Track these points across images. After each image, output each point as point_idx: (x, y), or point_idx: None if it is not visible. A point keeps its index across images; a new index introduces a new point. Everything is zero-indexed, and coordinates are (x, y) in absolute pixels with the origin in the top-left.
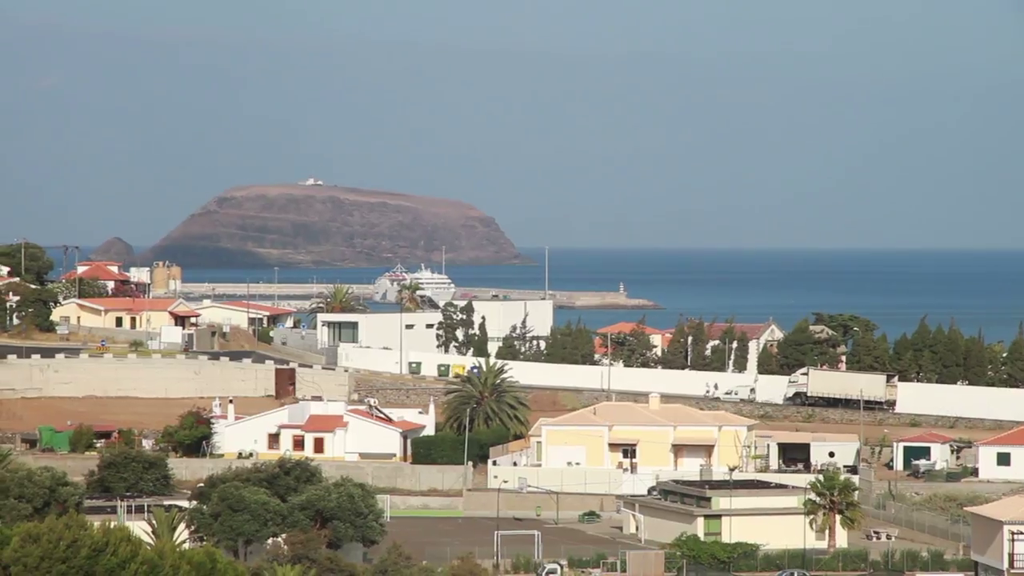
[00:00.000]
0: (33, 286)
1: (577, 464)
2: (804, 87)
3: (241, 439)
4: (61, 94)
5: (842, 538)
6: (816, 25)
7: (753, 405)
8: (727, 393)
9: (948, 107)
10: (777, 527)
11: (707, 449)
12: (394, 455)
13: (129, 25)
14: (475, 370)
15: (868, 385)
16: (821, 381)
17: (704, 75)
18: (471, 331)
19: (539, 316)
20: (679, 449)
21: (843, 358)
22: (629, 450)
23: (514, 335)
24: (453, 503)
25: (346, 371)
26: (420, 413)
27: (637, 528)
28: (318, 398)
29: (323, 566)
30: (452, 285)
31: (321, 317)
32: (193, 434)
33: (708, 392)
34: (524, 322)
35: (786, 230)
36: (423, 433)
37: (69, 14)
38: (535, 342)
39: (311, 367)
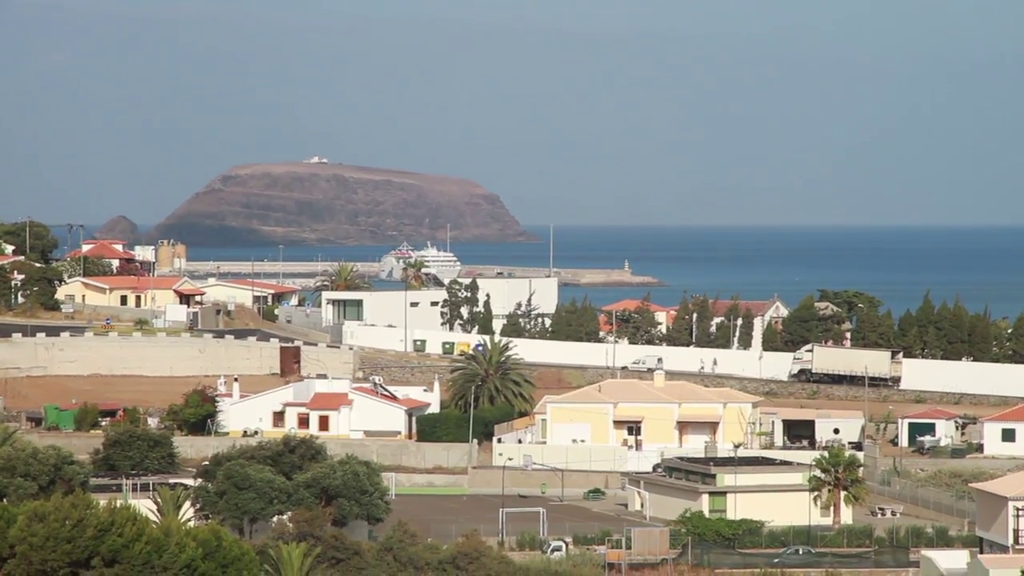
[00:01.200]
0: (38, 264)
1: (582, 441)
2: (809, 67)
3: (246, 417)
4: (67, 72)
5: (847, 514)
6: (823, 4)
7: (759, 382)
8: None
9: (952, 85)
10: (782, 504)
11: (712, 426)
12: (399, 433)
13: (135, 4)
14: (480, 348)
15: (873, 362)
16: (826, 358)
17: (710, 54)
18: (476, 309)
19: (544, 293)
20: (684, 426)
21: (848, 335)
22: (634, 427)
23: (519, 312)
24: (458, 481)
25: (351, 349)
26: (425, 391)
27: (642, 505)
28: (323, 376)
29: (328, 544)
30: (457, 263)
31: (326, 295)
32: (198, 412)
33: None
34: (529, 300)
35: (791, 207)
36: (428, 411)
37: None
38: (540, 319)
39: (316, 345)
